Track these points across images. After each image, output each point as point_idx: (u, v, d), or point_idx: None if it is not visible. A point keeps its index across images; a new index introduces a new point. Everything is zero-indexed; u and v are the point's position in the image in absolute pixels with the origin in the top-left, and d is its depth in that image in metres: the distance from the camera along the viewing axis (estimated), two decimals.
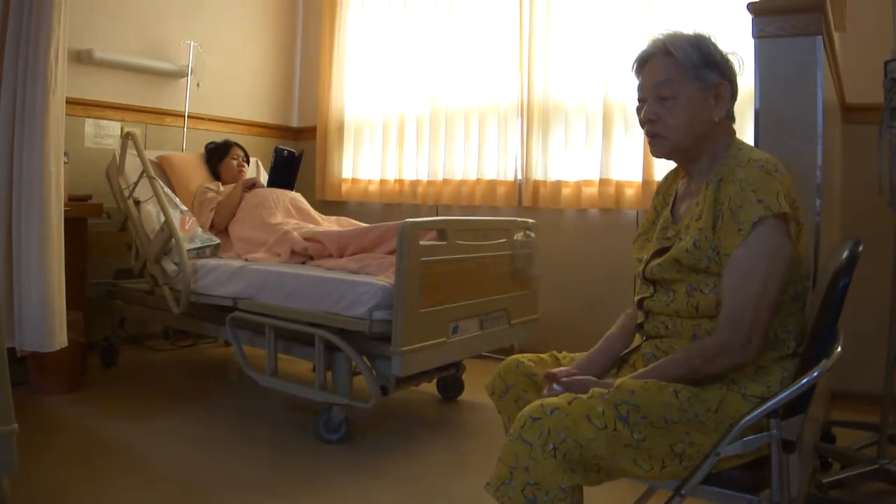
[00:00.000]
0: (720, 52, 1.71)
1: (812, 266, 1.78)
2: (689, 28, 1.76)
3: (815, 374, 1.43)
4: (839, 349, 1.47)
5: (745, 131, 3.57)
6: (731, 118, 1.75)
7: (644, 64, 1.75)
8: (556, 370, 1.73)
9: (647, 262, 1.77)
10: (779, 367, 1.60)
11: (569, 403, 1.50)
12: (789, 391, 1.44)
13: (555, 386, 1.67)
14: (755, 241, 1.55)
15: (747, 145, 1.73)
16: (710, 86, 1.68)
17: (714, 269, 1.60)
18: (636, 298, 1.82)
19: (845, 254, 1.50)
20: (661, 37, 1.73)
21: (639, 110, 1.77)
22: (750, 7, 2.15)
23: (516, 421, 1.51)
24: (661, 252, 1.76)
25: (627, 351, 1.85)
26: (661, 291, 1.73)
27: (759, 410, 1.46)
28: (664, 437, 1.50)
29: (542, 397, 1.62)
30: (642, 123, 1.76)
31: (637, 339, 1.83)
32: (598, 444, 1.45)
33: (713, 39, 1.72)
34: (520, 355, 1.91)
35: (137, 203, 3.85)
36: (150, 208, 3.82)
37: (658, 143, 1.74)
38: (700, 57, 1.67)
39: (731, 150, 1.69)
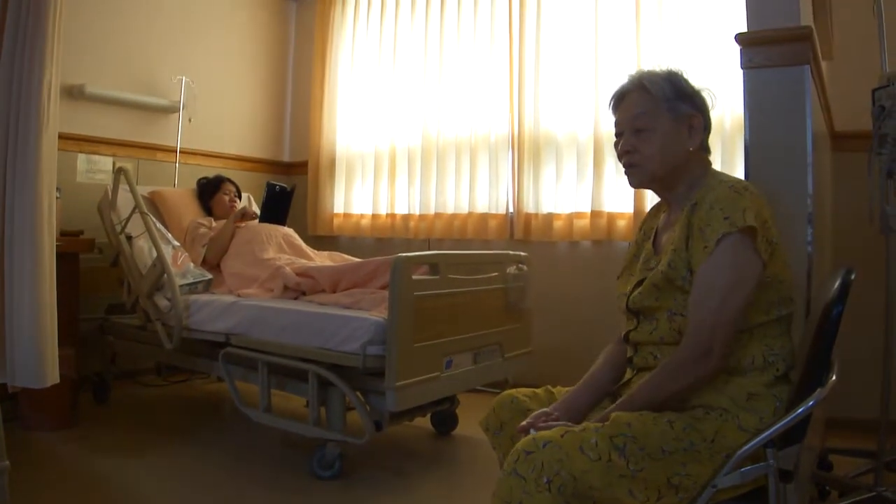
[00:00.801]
0: (692, 87, 1.78)
1: (796, 289, 1.78)
2: (663, 65, 1.82)
3: (811, 403, 1.43)
4: (834, 378, 1.47)
5: (736, 161, 3.65)
6: (705, 149, 1.80)
7: (621, 100, 1.82)
8: (526, 422, 1.71)
9: (630, 294, 1.80)
10: (770, 394, 1.60)
11: (562, 436, 1.50)
12: (785, 421, 1.44)
13: (532, 432, 1.64)
14: (718, 255, 1.58)
15: (722, 173, 1.78)
16: (684, 117, 1.74)
17: (689, 288, 1.63)
18: (622, 333, 1.84)
19: (838, 282, 1.50)
20: (636, 73, 1.80)
21: (616, 144, 1.83)
22: (738, 38, 2.18)
23: (510, 455, 1.51)
24: (642, 282, 1.78)
25: (619, 385, 1.84)
26: (645, 321, 1.75)
27: (755, 441, 1.46)
28: (661, 467, 1.50)
29: None
30: (620, 156, 1.81)
31: (628, 373, 1.83)
32: (592, 475, 1.45)
33: (685, 75, 1.79)
34: (514, 390, 1.92)
35: (129, 238, 3.84)
36: (142, 243, 3.81)
37: (634, 173, 1.79)
38: (673, 90, 1.74)
39: (707, 179, 1.73)
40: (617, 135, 1.82)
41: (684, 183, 1.77)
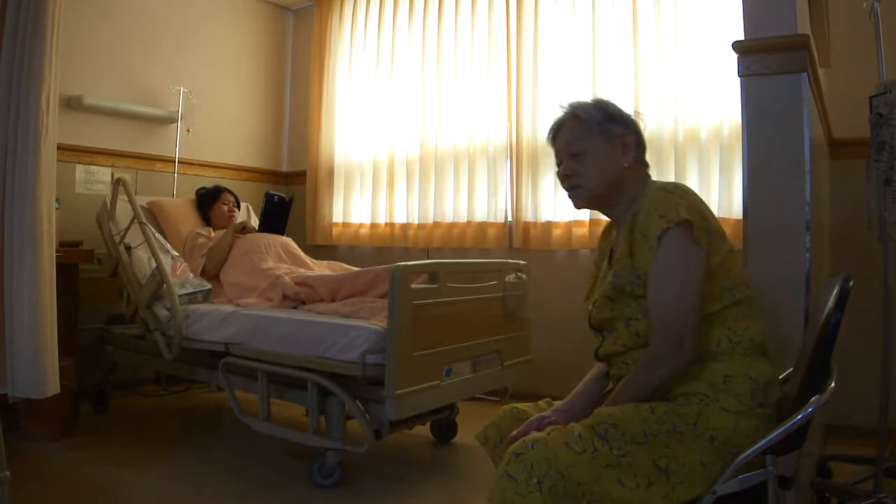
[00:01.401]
0: (619, 110, 1.88)
1: (793, 294, 1.80)
2: (589, 96, 1.98)
3: (810, 410, 1.44)
4: (833, 384, 1.48)
5: (734, 170, 3.65)
6: (643, 163, 1.88)
7: (557, 131, 1.92)
8: (518, 431, 1.74)
9: (589, 310, 1.88)
10: (745, 375, 1.63)
11: (548, 434, 1.55)
12: (784, 427, 1.45)
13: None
14: (663, 252, 1.65)
15: (658, 181, 1.84)
16: (616, 136, 1.83)
17: (639, 291, 1.70)
18: (594, 352, 1.90)
19: (836, 289, 1.51)
20: (566, 105, 1.91)
21: (558, 174, 1.91)
22: (735, 46, 2.19)
23: (503, 458, 1.54)
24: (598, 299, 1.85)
25: (602, 394, 1.88)
26: (608, 334, 1.82)
27: (755, 448, 1.47)
28: (645, 451, 1.52)
29: None
30: (561, 182, 1.90)
31: (609, 385, 1.88)
32: (578, 469, 1.47)
33: (612, 102, 1.90)
34: (515, 403, 1.95)
35: (128, 249, 3.84)
36: (141, 254, 3.82)
37: (577, 195, 1.87)
38: (602, 114, 1.84)
39: (647, 189, 1.79)
40: (557, 164, 1.91)
41: (626, 197, 1.83)
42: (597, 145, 1.82)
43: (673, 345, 1.60)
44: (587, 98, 1.92)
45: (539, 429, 1.68)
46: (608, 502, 1.49)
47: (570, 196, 1.89)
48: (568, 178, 1.86)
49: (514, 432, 1.73)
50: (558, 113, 1.92)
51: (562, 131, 1.89)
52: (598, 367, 1.96)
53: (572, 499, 1.47)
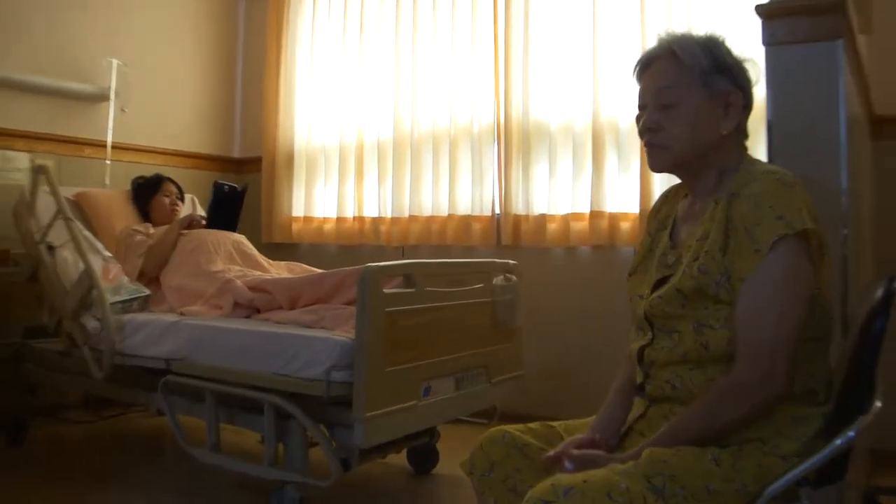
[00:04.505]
0: (734, 58, 1.74)
1: (836, 305, 1.77)
2: (698, 30, 1.79)
3: (851, 433, 1.41)
4: (878, 403, 1.46)
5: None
6: (742, 133, 1.78)
7: (647, 67, 1.80)
8: (559, 449, 1.66)
9: (648, 298, 1.76)
10: (819, 413, 1.57)
11: (584, 481, 1.45)
12: (821, 455, 1.43)
13: (566, 464, 1.60)
14: (773, 262, 1.55)
15: (761, 161, 1.76)
16: (720, 94, 1.71)
17: (724, 296, 1.60)
18: (635, 347, 1.80)
19: (880, 292, 1.49)
20: (667, 37, 1.77)
21: (638, 119, 1.81)
22: (759, 10, 2.17)
23: (525, 502, 1.46)
24: (661, 283, 1.76)
25: (634, 419, 1.80)
26: (663, 335, 1.72)
27: (785, 479, 1.44)
28: None
29: (542, 475, 1.57)
30: (641, 133, 1.79)
31: (639, 405, 1.79)
32: None
33: (727, 43, 1.76)
34: (505, 426, 1.86)
35: (51, 248, 3.80)
36: (67, 254, 3.77)
37: (657, 155, 1.77)
38: (710, 61, 1.71)
39: (744, 165, 1.72)
40: (640, 107, 1.80)
41: (713, 169, 1.75)
42: (695, 100, 1.71)
43: (765, 373, 1.51)
44: (695, 32, 1.77)
45: (581, 448, 1.62)
46: None
47: (648, 153, 1.80)
48: (651, 132, 1.75)
49: (552, 452, 1.65)
50: (653, 43, 1.80)
51: (652, 69, 1.78)
52: (622, 377, 1.88)
53: None
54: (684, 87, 1.71)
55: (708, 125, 1.71)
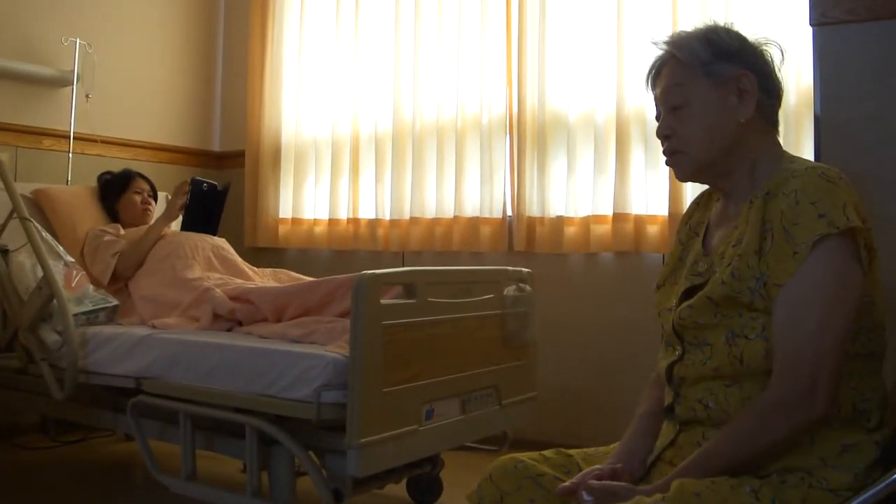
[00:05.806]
0: (738, 40, 1.78)
1: (889, 315, 1.76)
2: (700, 23, 1.87)
3: None
4: None
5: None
6: (767, 119, 1.79)
7: (657, 76, 1.85)
8: (577, 480, 1.66)
9: (677, 309, 1.77)
10: (871, 441, 1.56)
11: None
12: (875, 488, 1.41)
13: (584, 496, 1.60)
14: (814, 264, 1.54)
15: (802, 157, 1.77)
16: (728, 80, 1.74)
17: (760, 304, 1.60)
18: (663, 366, 1.80)
19: None
20: (664, 42, 1.83)
21: (658, 133, 1.84)
22: None
23: None
24: (691, 292, 1.76)
25: (663, 447, 1.80)
26: (694, 349, 1.72)
27: None
28: None
29: None
30: (663, 146, 1.83)
31: (668, 431, 1.80)
32: None
33: (733, 27, 1.80)
34: (516, 454, 1.86)
35: (5, 252, 3.82)
36: (23, 259, 3.78)
37: (678, 162, 1.81)
38: (710, 51, 1.75)
39: (782, 163, 1.72)
40: (656, 118, 1.84)
41: (744, 164, 1.75)
42: (702, 94, 1.75)
43: (804, 390, 1.50)
44: (694, 26, 1.84)
45: (601, 479, 1.61)
46: None
47: (670, 163, 1.83)
48: (666, 140, 1.80)
49: (569, 482, 1.65)
50: (656, 52, 1.86)
51: (661, 76, 1.83)
52: (649, 401, 1.89)
53: None
54: (689, 84, 1.76)
55: (723, 117, 1.74)
